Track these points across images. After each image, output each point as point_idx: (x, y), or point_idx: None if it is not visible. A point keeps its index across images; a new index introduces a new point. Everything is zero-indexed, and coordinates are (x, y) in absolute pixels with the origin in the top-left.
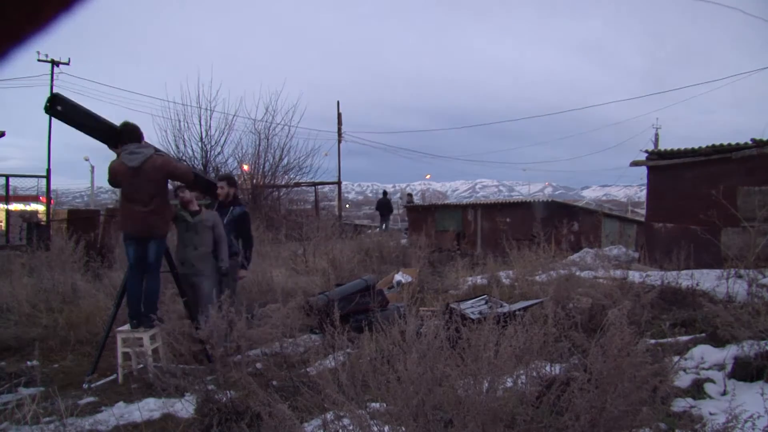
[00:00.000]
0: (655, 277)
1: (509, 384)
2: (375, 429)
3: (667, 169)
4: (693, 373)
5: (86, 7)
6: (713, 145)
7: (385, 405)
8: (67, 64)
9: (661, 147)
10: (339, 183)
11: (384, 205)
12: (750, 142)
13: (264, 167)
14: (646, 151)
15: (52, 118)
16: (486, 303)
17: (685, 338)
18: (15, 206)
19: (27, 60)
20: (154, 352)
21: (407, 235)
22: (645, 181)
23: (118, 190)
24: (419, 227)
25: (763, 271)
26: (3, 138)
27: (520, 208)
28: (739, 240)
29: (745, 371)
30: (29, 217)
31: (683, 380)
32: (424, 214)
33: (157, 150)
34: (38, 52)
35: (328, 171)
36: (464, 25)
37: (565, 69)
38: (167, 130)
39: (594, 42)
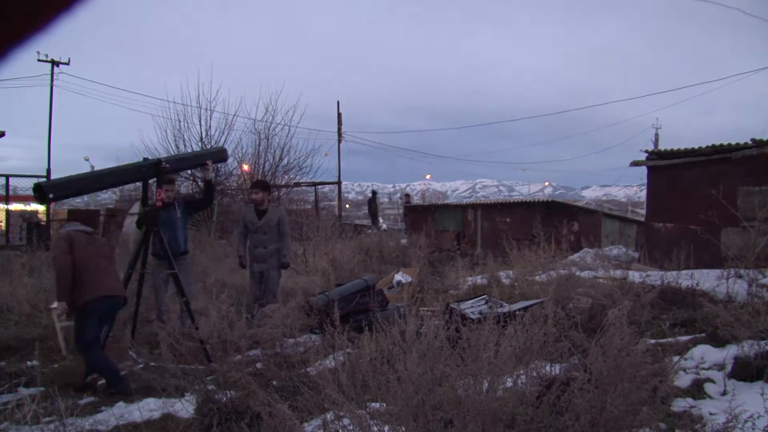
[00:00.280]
0: (655, 277)
1: (509, 384)
2: (375, 429)
3: (667, 169)
4: (693, 373)
5: (86, 7)
6: (713, 145)
7: (385, 405)
8: (67, 64)
9: (661, 147)
10: (339, 183)
11: (371, 207)
12: (750, 142)
13: (264, 167)
14: (646, 151)
15: (52, 117)
16: (486, 303)
17: (685, 338)
18: (15, 206)
19: (27, 60)
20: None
21: (407, 235)
22: (645, 181)
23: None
24: (419, 227)
25: (763, 271)
26: (3, 138)
27: (520, 208)
28: (739, 240)
29: (745, 371)
30: (29, 217)
31: (683, 380)
32: (424, 214)
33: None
34: (38, 52)
35: (328, 171)
36: (463, 25)
37: (564, 70)
38: (167, 130)
39: (594, 42)
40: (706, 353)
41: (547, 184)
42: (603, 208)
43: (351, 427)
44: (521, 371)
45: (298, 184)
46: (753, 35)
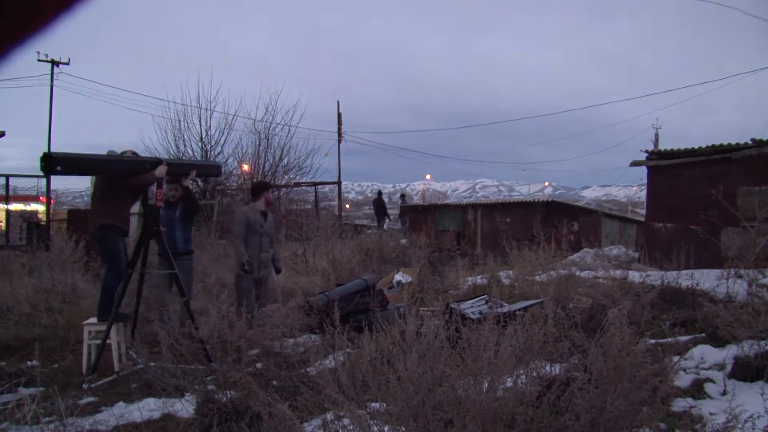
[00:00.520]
0: (655, 277)
1: (509, 384)
2: (375, 429)
3: (667, 169)
4: (693, 373)
5: (86, 6)
6: (713, 145)
7: (385, 405)
8: (67, 64)
9: (661, 147)
10: (339, 183)
11: (379, 205)
12: (750, 142)
13: (264, 167)
14: (646, 151)
15: (51, 119)
16: (486, 303)
17: (685, 338)
18: (15, 206)
19: (27, 60)
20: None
21: (407, 235)
22: (645, 181)
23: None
24: (419, 227)
25: (763, 271)
26: (3, 138)
27: (520, 208)
28: (739, 240)
29: (745, 371)
30: (29, 217)
31: (683, 380)
32: (424, 214)
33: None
34: (38, 52)
35: (328, 171)
36: (464, 25)
37: (566, 69)
38: (167, 130)
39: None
40: (706, 353)
41: (547, 184)
42: (603, 208)
43: (351, 427)
44: (521, 371)
45: (298, 184)
46: (753, 35)
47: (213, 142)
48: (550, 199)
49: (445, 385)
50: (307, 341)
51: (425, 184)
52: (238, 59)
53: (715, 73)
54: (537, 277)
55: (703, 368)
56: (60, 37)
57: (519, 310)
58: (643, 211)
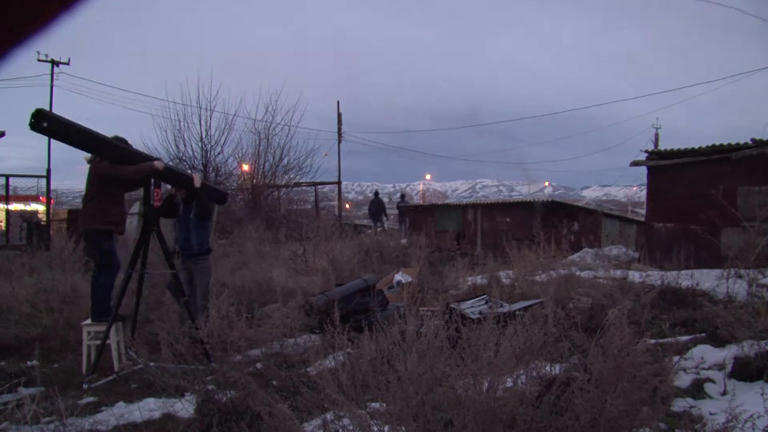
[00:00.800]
0: (655, 277)
1: (509, 384)
2: (375, 429)
3: (667, 169)
4: (693, 373)
5: (86, 6)
6: (713, 145)
7: (385, 405)
8: (67, 64)
9: (661, 147)
10: (339, 183)
11: (378, 206)
12: (750, 142)
13: (264, 167)
14: (646, 151)
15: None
16: (486, 303)
17: (685, 338)
18: (15, 206)
19: (27, 60)
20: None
21: (407, 235)
22: (645, 181)
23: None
24: (419, 227)
25: (763, 271)
26: (3, 138)
27: (520, 208)
28: (739, 240)
29: (745, 371)
30: (29, 217)
31: (683, 380)
32: (424, 214)
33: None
34: (38, 52)
35: (328, 171)
36: (464, 26)
37: (564, 69)
38: (167, 130)
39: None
40: (706, 353)
41: (547, 184)
42: (603, 208)
43: (351, 427)
44: (521, 371)
45: (298, 184)
46: (753, 35)
47: (213, 142)
48: (550, 199)
49: (445, 385)
50: (307, 341)
51: (425, 184)
52: (238, 59)
53: (715, 73)
54: (537, 277)
55: (703, 368)
56: (60, 37)
57: (519, 310)
58: (643, 211)
